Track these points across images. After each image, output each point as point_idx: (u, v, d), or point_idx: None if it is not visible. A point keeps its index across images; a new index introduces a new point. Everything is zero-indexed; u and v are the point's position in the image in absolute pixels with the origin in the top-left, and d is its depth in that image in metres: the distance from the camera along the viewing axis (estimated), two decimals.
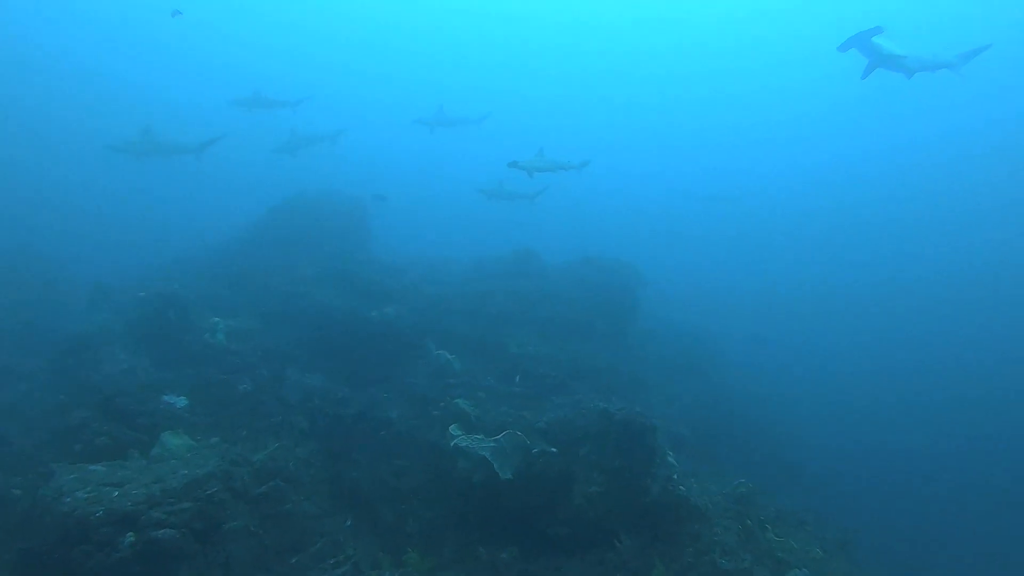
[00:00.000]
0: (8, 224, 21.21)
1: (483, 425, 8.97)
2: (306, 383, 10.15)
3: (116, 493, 6.25)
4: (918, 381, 23.43)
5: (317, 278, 13.73)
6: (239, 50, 50.99)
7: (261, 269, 14.32)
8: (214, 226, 20.77)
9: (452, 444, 8.44)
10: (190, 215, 27.58)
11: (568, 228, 30.58)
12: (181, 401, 9.19)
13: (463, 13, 57.25)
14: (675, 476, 7.92)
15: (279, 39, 52.84)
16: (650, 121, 53.44)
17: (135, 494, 6.23)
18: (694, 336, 21.13)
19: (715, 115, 53.64)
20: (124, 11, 45.45)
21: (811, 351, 25.92)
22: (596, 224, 34.18)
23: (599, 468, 7.96)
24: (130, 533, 5.85)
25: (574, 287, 16.41)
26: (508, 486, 8.09)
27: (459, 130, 22.31)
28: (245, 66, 47.24)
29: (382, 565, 7.38)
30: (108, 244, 22.65)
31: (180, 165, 16.21)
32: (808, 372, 23.60)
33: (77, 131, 32.42)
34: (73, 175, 30.20)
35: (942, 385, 23.13)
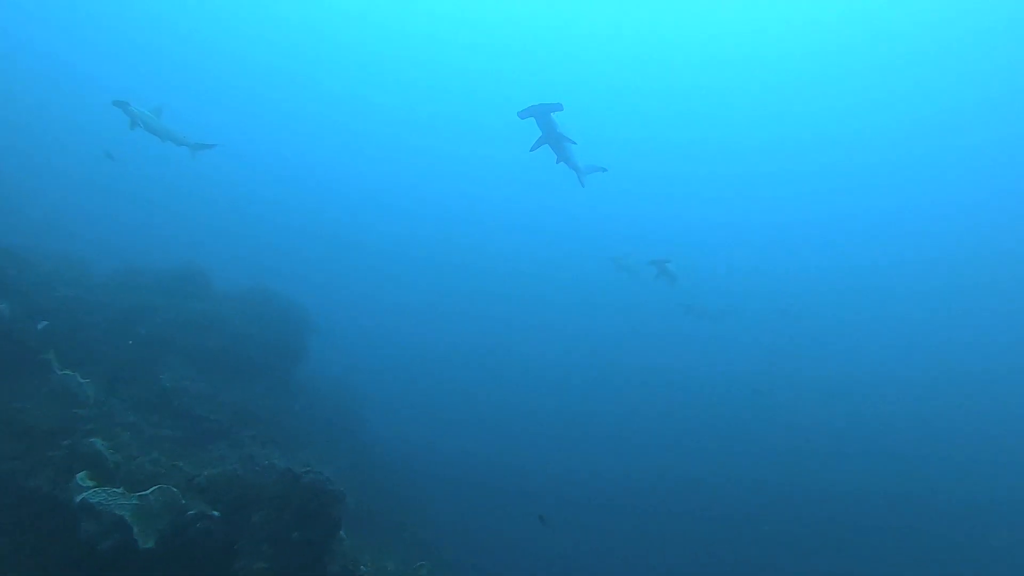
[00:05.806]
0: None
1: (125, 475, 7.17)
2: None
3: None
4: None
5: None
6: None
7: None
8: None
9: (79, 499, 6.51)
10: None
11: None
12: None
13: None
14: (352, 553, 7.31)
15: None
16: None
17: None
18: (349, 390, 20.67)
19: None
20: None
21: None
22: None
23: (271, 540, 6.91)
24: None
25: (243, 319, 14.65)
26: (147, 558, 6.52)
27: None
28: None
29: None
30: None
31: None
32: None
33: None
34: None
35: None
